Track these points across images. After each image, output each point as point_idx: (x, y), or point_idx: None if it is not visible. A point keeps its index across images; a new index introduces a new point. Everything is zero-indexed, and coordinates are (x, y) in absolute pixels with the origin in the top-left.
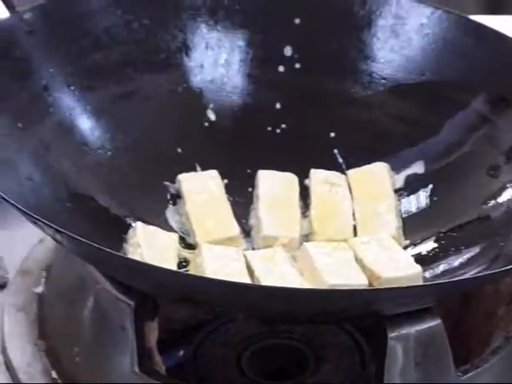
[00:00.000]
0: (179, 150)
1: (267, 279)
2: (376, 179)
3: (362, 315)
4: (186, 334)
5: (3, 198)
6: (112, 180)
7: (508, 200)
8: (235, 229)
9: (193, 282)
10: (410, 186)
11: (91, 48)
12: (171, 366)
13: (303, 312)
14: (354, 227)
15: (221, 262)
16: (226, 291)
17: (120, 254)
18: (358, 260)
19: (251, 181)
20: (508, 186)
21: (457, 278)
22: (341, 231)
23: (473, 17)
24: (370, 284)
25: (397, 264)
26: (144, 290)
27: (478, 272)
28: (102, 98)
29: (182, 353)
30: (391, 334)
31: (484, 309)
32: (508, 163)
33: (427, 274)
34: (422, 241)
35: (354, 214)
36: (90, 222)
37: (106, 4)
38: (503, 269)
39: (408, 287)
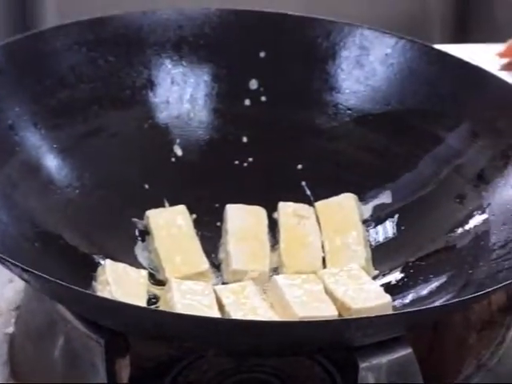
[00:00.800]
0: (146, 186)
1: (237, 313)
2: (344, 210)
3: (333, 346)
4: (158, 372)
5: None
6: (80, 218)
7: (475, 227)
8: (204, 264)
9: (162, 317)
10: (378, 217)
11: (57, 86)
12: None
13: (274, 344)
14: (323, 259)
15: (190, 298)
16: (195, 326)
17: (88, 291)
18: (327, 292)
19: (219, 215)
20: (475, 213)
21: (426, 307)
22: (310, 263)
23: (438, 46)
24: (340, 315)
25: (366, 294)
26: (114, 327)
27: (447, 300)
28: (68, 136)
29: None
30: (362, 365)
31: (455, 337)
32: (474, 191)
33: (396, 304)
34: (391, 270)
35: (322, 246)
36: (58, 260)
37: (71, 42)
38: (472, 296)
39: (377, 316)
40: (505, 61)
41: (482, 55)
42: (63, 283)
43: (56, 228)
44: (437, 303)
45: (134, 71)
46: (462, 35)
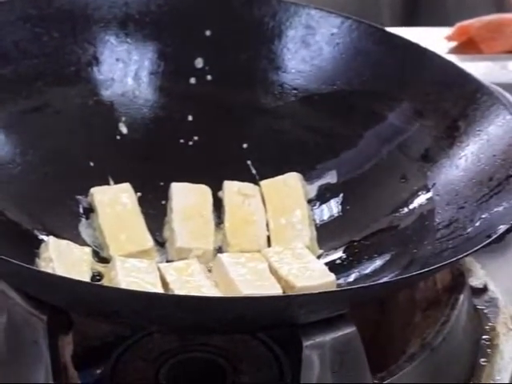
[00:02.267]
0: (91, 164)
1: (182, 291)
2: (289, 190)
3: (277, 324)
4: (103, 350)
5: None
6: (23, 195)
7: (419, 206)
8: (149, 242)
9: (104, 293)
10: (323, 196)
11: (0, 62)
12: (89, 382)
13: (216, 321)
14: (268, 238)
15: (134, 275)
16: (137, 301)
17: (30, 266)
18: (272, 270)
19: (164, 193)
20: (419, 193)
21: (368, 284)
22: (255, 242)
23: (388, 29)
24: (285, 294)
25: (311, 273)
26: (57, 303)
27: (391, 278)
28: (11, 112)
29: (99, 369)
30: (306, 343)
31: (400, 316)
32: (419, 170)
33: (341, 282)
34: (336, 249)
35: (267, 225)
36: (0, 236)
37: (15, 17)
38: (415, 273)
39: (320, 293)
40: (453, 44)
41: (431, 38)
42: (5, 258)
43: None
44: (381, 281)
45: (79, 48)
46: (412, 19)
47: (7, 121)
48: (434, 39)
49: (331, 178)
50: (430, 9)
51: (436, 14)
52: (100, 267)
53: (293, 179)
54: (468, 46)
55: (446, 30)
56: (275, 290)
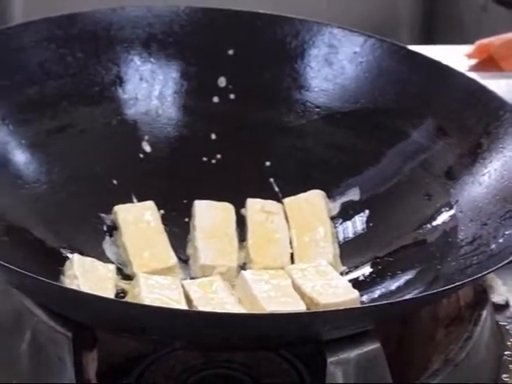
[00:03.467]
0: (115, 182)
1: (206, 308)
2: (312, 207)
3: (301, 340)
4: (126, 367)
5: None
6: (48, 213)
7: (443, 223)
8: (172, 259)
9: (129, 309)
10: (346, 213)
11: (25, 82)
12: None
13: (241, 337)
14: (291, 255)
15: (158, 292)
16: (162, 318)
17: (56, 283)
18: (295, 287)
19: (188, 211)
20: (443, 210)
21: (393, 300)
22: (278, 259)
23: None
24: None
25: (335, 290)
26: (81, 320)
27: (416, 295)
28: (36, 131)
29: None
30: (330, 359)
31: (423, 332)
32: (442, 188)
33: (365, 299)
34: (359, 266)
35: (290, 242)
36: (26, 254)
37: (40, 38)
38: (440, 289)
39: (344, 309)
40: (473, 62)
41: (451, 56)
42: (31, 275)
43: (24, 222)
44: (405, 298)
45: (103, 68)
46: (430, 36)
47: (33, 140)
48: (454, 57)
49: (354, 195)
50: (448, 27)
51: (454, 31)
52: (124, 284)
53: (316, 196)
54: (488, 63)
55: (466, 48)
56: (299, 306)
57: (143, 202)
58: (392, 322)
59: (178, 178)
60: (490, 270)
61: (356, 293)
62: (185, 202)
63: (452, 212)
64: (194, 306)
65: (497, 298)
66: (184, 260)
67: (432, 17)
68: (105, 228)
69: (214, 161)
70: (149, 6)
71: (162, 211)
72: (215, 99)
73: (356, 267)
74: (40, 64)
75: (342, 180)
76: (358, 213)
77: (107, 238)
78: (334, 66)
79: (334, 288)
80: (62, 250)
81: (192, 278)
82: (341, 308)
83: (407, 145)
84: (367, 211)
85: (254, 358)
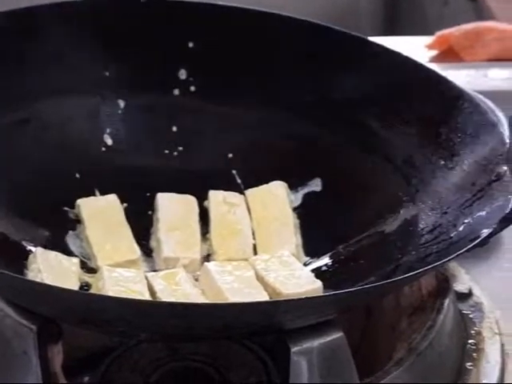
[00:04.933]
0: (77, 176)
1: (169, 299)
2: (274, 198)
3: (264, 330)
4: (92, 361)
5: None
6: (10, 206)
7: (404, 212)
8: (136, 252)
9: (93, 301)
10: (308, 204)
11: None
12: None
13: (204, 328)
14: (254, 246)
15: (122, 285)
16: (126, 309)
17: (20, 276)
18: (258, 278)
19: (150, 204)
20: (403, 199)
21: (355, 288)
22: (241, 250)
23: (369, 38)
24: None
25: (297, 280)
26: (46, 313)
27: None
28: None
29: (88, 378)
30: (294, 349)
31: (386, 322)
32: (403, 177)
33: (328, 288)
34: (322, 256)
35: (253, 234)
36: None
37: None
38: (401, 277)
39: (307, 298)
40: (433, 52)
41: (412, 47)
42: None
43: None
44: (367, 286)
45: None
46: (392, 28)
47: None
48: (415, 48)
49: (316, 185)
50: (410, 18)
51: (416, 23)
52: (88, 277)
53: (278, 188)
54: (448, 54)
55: (427, 39)
56: (262, 297)
57: (106, 196)
58: (355, 312)
59: (141, 171)
60: (450, 257)
61: (319, 282)
62: (147, 194)
63: (412, 201)
64: (158, 297)
65: (460, 286)
66: (147, 253)
67: (394, 8)
68: (68, 221)
69: (175, 153)
70: None
71: (124, 204)
72: (176, 92)
73: (318, 257)
74: (2, 56)
75: (304, 171)
76: (320, 203)
77: (70, 231)
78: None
79: (296, 278)
80: (26, 244)
81: (155, 271)
82: (302, 297)
83: (367, 135)
84: (328, 201)
85: (219, 349)
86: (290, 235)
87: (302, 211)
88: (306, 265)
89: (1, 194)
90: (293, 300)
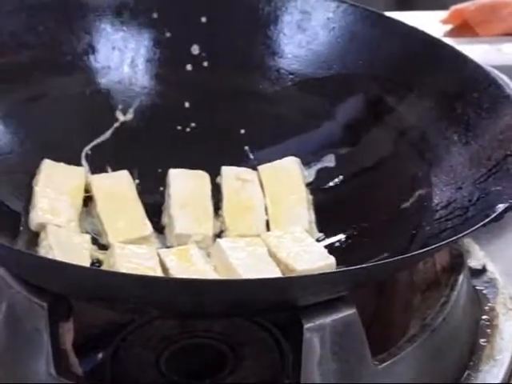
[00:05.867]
0: (89, 152)
1: (182, 276)
2: (287, 174)
3: (277, 307)
4: (103, 338)
5: None
6: (22, 184)
7: (418, 188)
8: (147, 228)
9: (104, 277)
10: (321, 179)
11: None
12: (90, 369)
13: (217, 304)
14: (267, 222)
15: (134, 261)
16: (137, 285)
17: (32, 252)
18: (271, 254)
19: (162, 180)
20: (418, 174)
21: (368, 264)
22: (254, 227)
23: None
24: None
25: (310, 256)
26: (57, 289)
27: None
28: (10, 102)
29: (100, 356)
30: (307, 325)
31: (400, 298)
32: (417, 152)
33: (341, 264)
34: (335, 232)
35: (266, 210)
36: (1, 226)
37: (10, 8)
38: (415, 253)
39: (320, 274)
40: (448, 27)
41: (427, 22)
42: (6, 244)
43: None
44: (380, 262)
45: (75, 37)
46: (406, 3)
47: (5, 111)
48: (430, 23)
49: (329, 161)
50: None
51: None
52: (99, 254)
53: (291, 163)
54: (463, 29)
55: (442, 14)
56: (275, 273)
57: (118, 172)
58: (369, 289)
59: (153, 147)
60: (465, 232)
61: (332, 258)
62: (159, 171)
63: (427, 176)
64: (170, 274)
65: (474, 262)
66: (159, 229)
67: None
68: None
69: (188, 129)
70: None
71: (136, 181)
72: (188, 67)
73: (332, 233)
74: (11, 33)
75: (317, 146)
76: (333, 179)
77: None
78: (306, 32)
79: (309, 254)
80: None
81: (168, 247)
82: (316, 273)
83: (382, 110)
84: (341, 177)
85: (231, 326)
86: (303, 211)
87: (315, 187)
88: (318, 241)
89: (12, 173)
90: (306, 276)
